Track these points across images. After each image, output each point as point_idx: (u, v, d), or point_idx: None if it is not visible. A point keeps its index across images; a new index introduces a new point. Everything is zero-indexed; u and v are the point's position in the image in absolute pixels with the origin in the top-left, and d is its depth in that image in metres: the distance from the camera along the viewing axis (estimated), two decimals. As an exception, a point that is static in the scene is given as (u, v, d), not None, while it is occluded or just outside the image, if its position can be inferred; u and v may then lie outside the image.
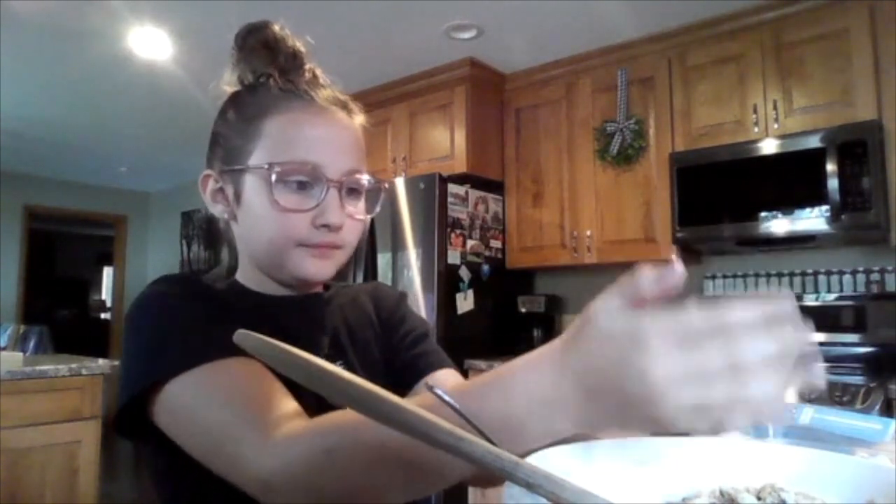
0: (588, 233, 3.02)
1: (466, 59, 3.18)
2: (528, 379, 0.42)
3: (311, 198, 0.70)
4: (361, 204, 0.76)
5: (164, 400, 0.60)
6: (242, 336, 0.41)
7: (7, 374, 2.22)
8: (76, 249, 9.70)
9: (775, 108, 2.54)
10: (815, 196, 2.33)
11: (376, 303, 0.87)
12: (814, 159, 2.33)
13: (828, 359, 2.54)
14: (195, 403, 0.58)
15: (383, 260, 3.12)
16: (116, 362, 2.63)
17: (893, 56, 2.31)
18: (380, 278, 3.11)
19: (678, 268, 0.38)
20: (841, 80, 2.41)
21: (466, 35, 2.96)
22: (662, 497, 0.45)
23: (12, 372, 2.24)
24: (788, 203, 2.41)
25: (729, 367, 0.34)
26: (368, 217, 0.77)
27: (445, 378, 0.80)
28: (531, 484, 0.34)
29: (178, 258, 6.55)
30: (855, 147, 2.27)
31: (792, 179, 2.42)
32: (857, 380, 2.14)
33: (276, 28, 0.75)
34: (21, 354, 2.64)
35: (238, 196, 0.73)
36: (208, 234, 6.22)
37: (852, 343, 2.51)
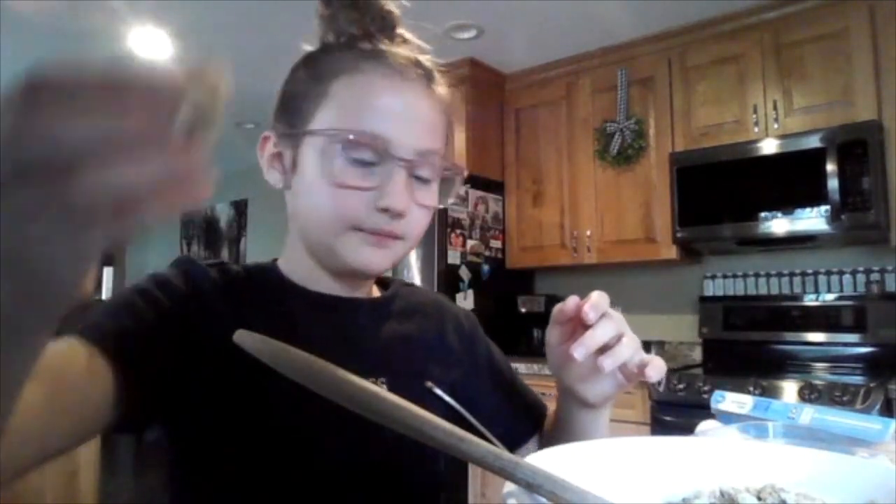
0: (588, 233, 3.01)
1: (466, 59, 3.18)
2: None
3: (374, 175, 0.61)
4: (433, 191, 0.66)
5: None
6: (242, 336, 0.41)
7: (7, 374, 2.22)
8: (76, 249, 9.68)
9: (775, 108, 2.54)
10: (815, 196, 2.33)
11: (454, 321, 0.79)
12: (814, 159, 2.33)
13: (828, 359, 2.54)
14: None
15: (383, 260, 3.12)
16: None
17: (893, 56, 2.31)
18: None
19: None
20: (841, 80, 2.41)
21: (466, 35, 2.96)
22: (662, 497, 0.45)
23: (12, 372, 2.24)
24: (788, 203, 2.41)
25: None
26: (439, 206, 0.67)
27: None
28: (531, 484, 0.34)
29: (178, 258, 6.55)
30: (855, 147, 2.27)
31: (792, 179, 2.42)
32: (857, 380, 2.14)
33: None
34: (21, 354, 2.63)
35: (296, 163, 0.64)
36: (208, 233, 6.23)
37: (852, 343, 2.51)
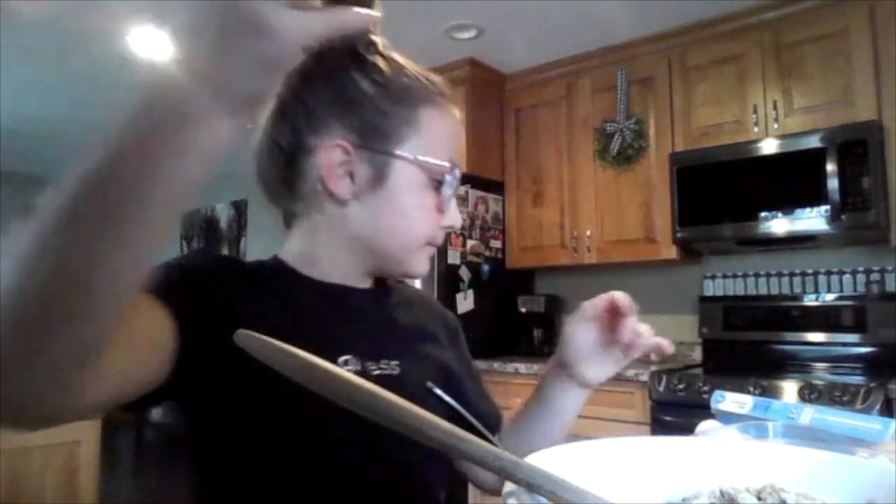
0: (588, 233, 3.01)
1: (466, 59, 3.18)
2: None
3: (441, 198, 0.70)
4: None
5: None
6: (243, 337, 0.41)
7: (7, 374, 2.22)
8: (76, 249, 9.67)
9: (775, 108, 2.54)
10: (815, 196, 2.33)
11: (441, 317, 0.87)
12: (814, 159, 2.33)
13: (828, 359, 2.54)
14: None
15: (383, 260, 3.12)
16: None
17: (893, 56, 2.31)
18: (380, 278, 3.11)
19: None
20: (841, 80, 2.41)
21: (466, 35, 2.96)
22: (662, 497, 0.45)
23: (12, 372, 2.23)
24: (788, 203, 2.41)
25: None
26: None
27: None
28: (531, 484, 0.34)
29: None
30: (855, 147, 2.26)
31: (792, 179, 2.42)
32: (857, 380, 2.14)
33: None
34: (21, 354, 2.63)
35: (379, 180, 0.68)
36: (208, 233, 6.22)
37: (852, 343, 2.51)
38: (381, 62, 0.68)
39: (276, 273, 0.71)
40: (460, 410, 0.73)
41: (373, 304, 0.76)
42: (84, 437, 2.40)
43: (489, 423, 0.83)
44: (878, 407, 1.94)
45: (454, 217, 0.72)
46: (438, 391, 0.73)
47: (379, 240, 0.70)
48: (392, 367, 0.70)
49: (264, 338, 0.40)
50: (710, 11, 2.69)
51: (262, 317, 0.59)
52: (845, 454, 0.52)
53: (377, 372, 0.69)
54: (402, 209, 0.68)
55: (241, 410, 0.62)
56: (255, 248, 5.68)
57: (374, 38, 0.67)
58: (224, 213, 6.04)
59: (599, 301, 0.73)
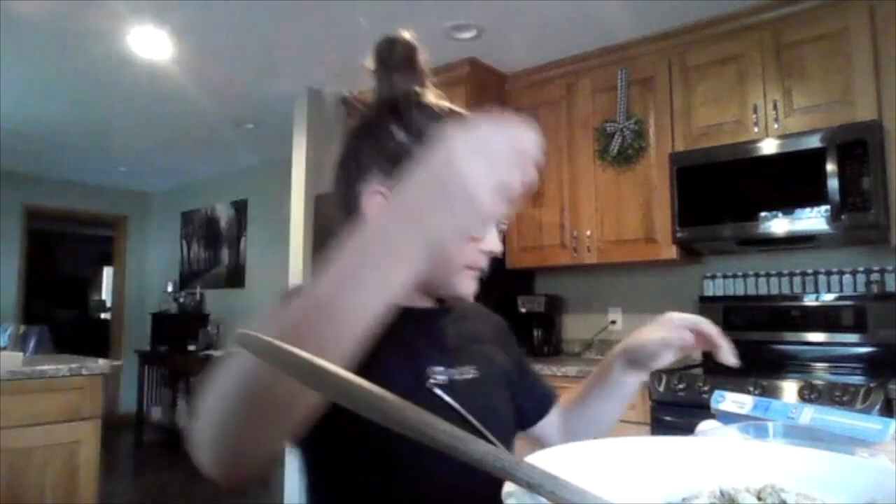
0: (588, 233, 3.01)
1: (467, 60, 3.17)
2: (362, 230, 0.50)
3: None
4: None
5: None
6: (242, 336, 0.41)
7: (7, 374, 2.22)
8: (76, 249, 9.70)
9: (775, 108, 2.54)
10: (815, 196, 2.33)
11: (492, 322, 0.97)
12: (814, 159, 2.33)
13: (828, 359, 2.54)
14: None
15: (383, 260, 3.11)
16: (116, 362, 2.62)
17: (893, 56, 2.31)
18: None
19: None
20: (841, 80, 2.41)
21: (466, 35, 2.96)
22: (662, 497, 0.45)
23: (12, 372, 2.24)
24: (788, 203, 2.41)
25: (505, 154, 0.50)
26: None
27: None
28: (531, 484, 0.34)
29: (178, 258, 6.55)
30: (855, 147, 2.26)
31: (792, 179, 2.42)
32: (857, 380, 2.14)
33: (413, 41, 0.77)
34: (21, 354, 2.63)
35: None
36: (208, 233, 6.22)
37: (852, 343, 2.51)
38: (416, 113, 0.76)
39: None
40: (460, 411, 0.73)
41: (439, 319, 0.85)
42: (85, 437, 2.40)
43: (544, 405, 0.98)
44: (878, 407, 1.94)
45: (493, 243, 0.78)
46: (439, 391, 0.75)
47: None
48: (472, 371, 0.81)
49: (261, 336, 0.40)
50: (710, 11, 2.69)
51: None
52: (845, 454, 0.52)
53: (461, 378, 0.79)
54: None
55: (346, 436, 0.68)
56: (254, 248, 5.68)
57: (416, 88, 0.77)
58: (224, 213, 6.04)
59: (686, 334, 0.90)
